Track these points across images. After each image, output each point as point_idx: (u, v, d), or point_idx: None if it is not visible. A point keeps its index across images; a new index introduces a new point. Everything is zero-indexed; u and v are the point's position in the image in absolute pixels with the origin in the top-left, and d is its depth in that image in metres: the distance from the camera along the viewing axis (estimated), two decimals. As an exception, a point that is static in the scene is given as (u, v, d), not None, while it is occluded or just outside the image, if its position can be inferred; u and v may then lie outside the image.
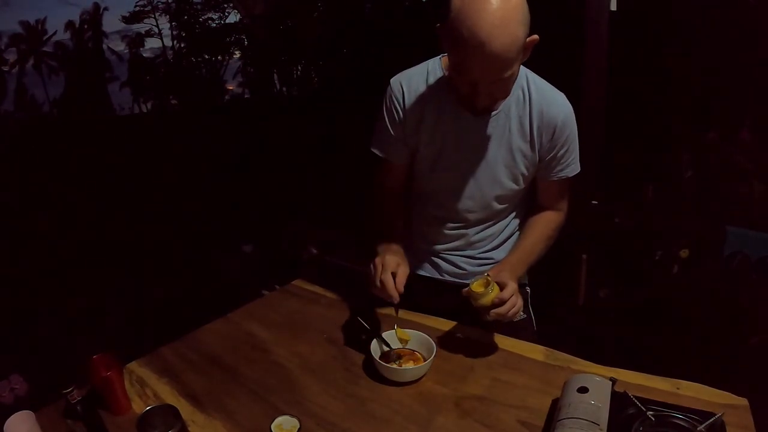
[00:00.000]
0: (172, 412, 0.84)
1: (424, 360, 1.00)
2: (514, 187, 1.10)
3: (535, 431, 0.84)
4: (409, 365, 1.00)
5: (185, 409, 0.92)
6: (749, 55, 1.99)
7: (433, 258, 1.23)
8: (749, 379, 1.19)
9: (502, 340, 1.10)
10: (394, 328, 1.08)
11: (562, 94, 1.06)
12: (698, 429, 0.72)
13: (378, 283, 0.98)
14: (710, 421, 0.72)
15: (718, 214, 2.04)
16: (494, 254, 1.21)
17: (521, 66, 0.96)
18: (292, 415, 0.85)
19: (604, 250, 2.11)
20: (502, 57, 0.82)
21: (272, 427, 0.82)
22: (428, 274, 1.24)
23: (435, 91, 1.05)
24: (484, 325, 1.06)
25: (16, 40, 31.05)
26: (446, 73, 1.04)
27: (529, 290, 1.27)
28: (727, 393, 0.87)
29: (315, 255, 3.31)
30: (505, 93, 0.95)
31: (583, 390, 0.79)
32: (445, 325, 1.18)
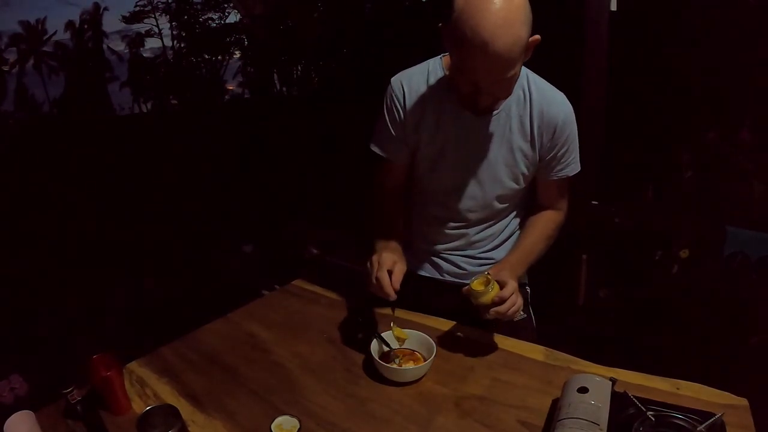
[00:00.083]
0: (172, 412, 0.84)
1: (424, 360, 1.00)
2: (515, 186, 1.10)
3: (535, 431, 0.84)
4: (409, 365, 1.00)
5: (185, 409, 0.92)
6: (749, 55, 1.99)
7: (433, 258, 1.23)
8: (749, 379, 1.19)
9: (502, 340, 1.10)
10: (391, 326, 1.07)
11: (563, 94, 1.06)
12: (698, 429, 0.72)
13: (374, 281, 0.98)
14: (710, 421, 0.72)
15: (718, 214, 2.04)
16: (494, 254, 1.21)
17: (522, 66, 0.96)
18: (292, 415, 0.85)
19: (604, 250, 2.11)
20: (504, 57, 0.83)
21: (272, 427, 0.82)
22: (428, 274, 1.24)
23: (436, 90, 1.05)
24: (484, 324, 1.06)
25: (16, 40, 31.04)
26: (447, 73, 1.04)
27: (529, 290, 1.27)
28: (727, 393, 0.87)
29: (315, 255, 3.32)
30: (507, 93, 0.96)
31: (583, 390, 0.79)
32: (445, 325, 1.18)
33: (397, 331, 1.07)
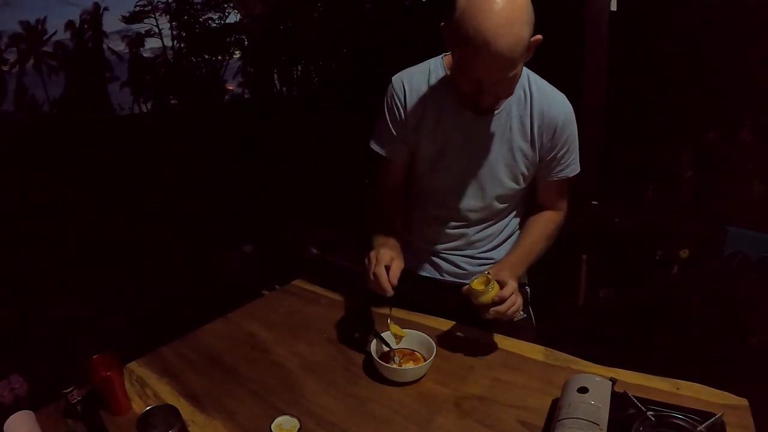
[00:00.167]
0: (172, 412, 0.84)
1: (424, 360, 1.00)
2: (515, 186, 1.10)
3: (535, 431, 0.84)
4: (409, 365, 1.00)
5: (185, 409, 0.92)
6: (749, 55, 1.99)
7: (433, 258, 1.23)
8: (749, 379, 1.19)
9: (502, 340, 1.10)
10: (388, 323, 1.07)
11: (563, 94, 1.07)
12: (698, 429, 0.72)
13: (372, 276, 0.98)
14: (710, 421, 0.72)
15: (718, 214, 2.04)
16: (494, 254, 1.21)
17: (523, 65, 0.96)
18: (292, 415, 0.85)
19: (604, 250, 2.11)
20: (507, 56, 0.83)
21: (272, 427, 0.82)
22: (428, 274, 1.24)
23: (436, 89, 1.05)
24: (483, 324, 1.06)
25: (16, 40, 31.04)
26: (448, 72, 1.04)
27: (528, 290, 1.27)
28: (727, 393, 0.87)
29: (315, 255, 3.31)
30: (509, 92, 0.96)
31: (583, 390, 0.79)
32: (445, 325, 1.18)
33: (395, 328, 1.07)
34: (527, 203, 1.21)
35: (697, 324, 1.92)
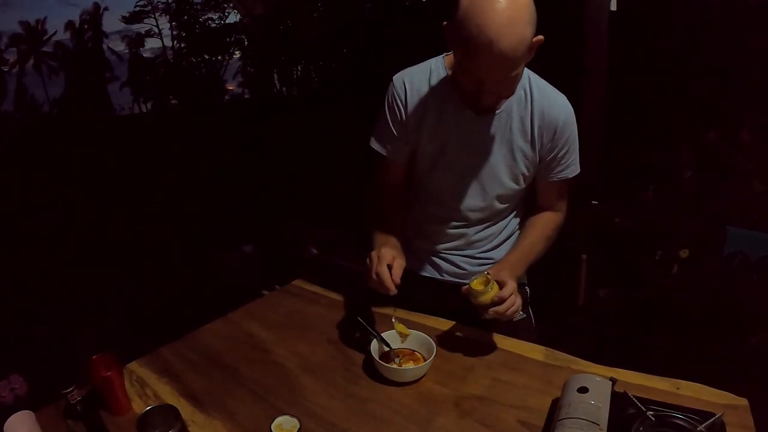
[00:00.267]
0: (172, 412, 0.84)
1: (424, 360, 1.00)
2: (515, 186, 1.10)
3: (535, 431, 0.84)
4: (409, 365, 1.00)
5: (185, 409, 0.92)
6: (749, 55, 1.99)
7: (433, 258, 1.23)
8: (749, 379, 1.19)
9: (502, 340, 1.10)
10: (392, 323, 1.07)
11: (564, 95, 1.07)
12: (698, 429, 0.72)
13: (374, 276, 0.98)
14: (710, 421, 0.72)
15: (718, 214, 2.04)
16: (494, 254, 1.21)
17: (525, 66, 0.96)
18: (292, 415, 0.85)
19: (604, 250, 2.11)
20: (509, 56, 0.83)
21: (272, 427, 0.82)
22: (428, 274, 1.24)
23: (438, 89, 1.05)
24: (483, 324, 1.06)
25: (16, 40, 31.05)
26: (449, 72, 1.05)
27: (528, 290, 1.27)
28: (727, 393, 0.87)
29: (315, 255, 3.31)
30: (511, 92, 0.96)
31: (583, 390, 0.79)
32: (445, 325, 1.18)
33: (399, 326, 1.07)
34: (527, 203, 1.21)
35: (697, 324, 1.91)
